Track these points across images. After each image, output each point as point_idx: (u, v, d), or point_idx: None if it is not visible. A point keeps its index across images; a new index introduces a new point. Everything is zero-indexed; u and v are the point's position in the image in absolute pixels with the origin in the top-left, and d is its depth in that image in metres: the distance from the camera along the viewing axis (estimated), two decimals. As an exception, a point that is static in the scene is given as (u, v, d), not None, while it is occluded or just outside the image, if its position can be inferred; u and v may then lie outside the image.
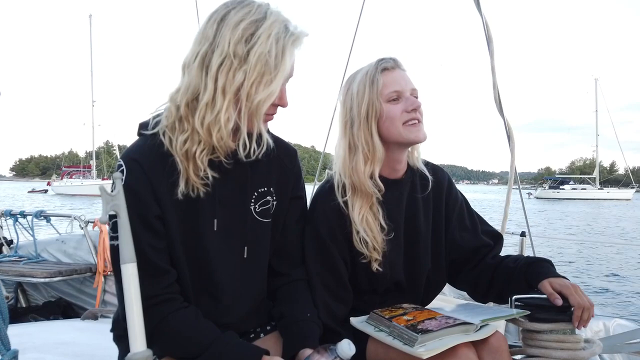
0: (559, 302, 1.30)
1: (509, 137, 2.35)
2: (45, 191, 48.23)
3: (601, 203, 43.82)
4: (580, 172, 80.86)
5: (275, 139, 1.32)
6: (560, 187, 55.50)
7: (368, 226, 1.38)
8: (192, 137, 1.13)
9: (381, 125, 1.39)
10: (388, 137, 1.39)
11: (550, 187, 55.88)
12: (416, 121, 1.39)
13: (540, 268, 1.39)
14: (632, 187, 55.61)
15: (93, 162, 47.26)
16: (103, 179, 46.28)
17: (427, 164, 1.55)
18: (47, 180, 56.95)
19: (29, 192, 48.29)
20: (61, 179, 48.69)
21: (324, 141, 3.31)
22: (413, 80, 1.44)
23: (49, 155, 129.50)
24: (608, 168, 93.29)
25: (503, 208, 2.47)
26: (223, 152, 1.17)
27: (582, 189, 54.70)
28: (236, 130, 1.15)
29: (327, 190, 1.43)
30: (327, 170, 1.53)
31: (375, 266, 1.39)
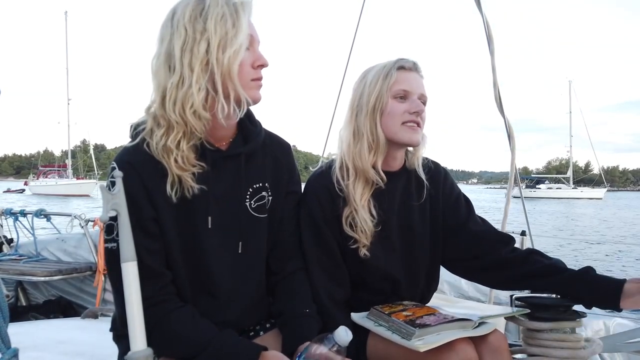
0: None
1: (509, 136, 2.33)
2: (22, 191, 46.68)
3: (574, 202, 44.53)
4: (556, 172, 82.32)
5: (268, 134, 1.34)
6: (537, 186, 56.14)
7: (365, 210, 1.40)
8: (168, 131, 1.13)
9: (383, 120, 1.42)
10: (386, 132, 1.42)
11: (526, 187, 56.59)
12: (415, 125, 1.42)
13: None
14: (604, 187, 57.05)
15: (69, 161, 46.02)
16: (78, 178, 45.26)
17: (424, 162, 1.54)
18: (24, 180, 55.29)
19: (4, 191, 46.81)
20: (37, 179, 47.44)
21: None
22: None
23: (23, 154, 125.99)
24: (583, 168, 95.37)
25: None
26: (199, 130, 1.15)
27: (557, 188, 55.57)
28: (213, 103, 1.15)
29: (318, 174, 1.46)
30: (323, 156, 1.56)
31: (363, 251, 1.40)
